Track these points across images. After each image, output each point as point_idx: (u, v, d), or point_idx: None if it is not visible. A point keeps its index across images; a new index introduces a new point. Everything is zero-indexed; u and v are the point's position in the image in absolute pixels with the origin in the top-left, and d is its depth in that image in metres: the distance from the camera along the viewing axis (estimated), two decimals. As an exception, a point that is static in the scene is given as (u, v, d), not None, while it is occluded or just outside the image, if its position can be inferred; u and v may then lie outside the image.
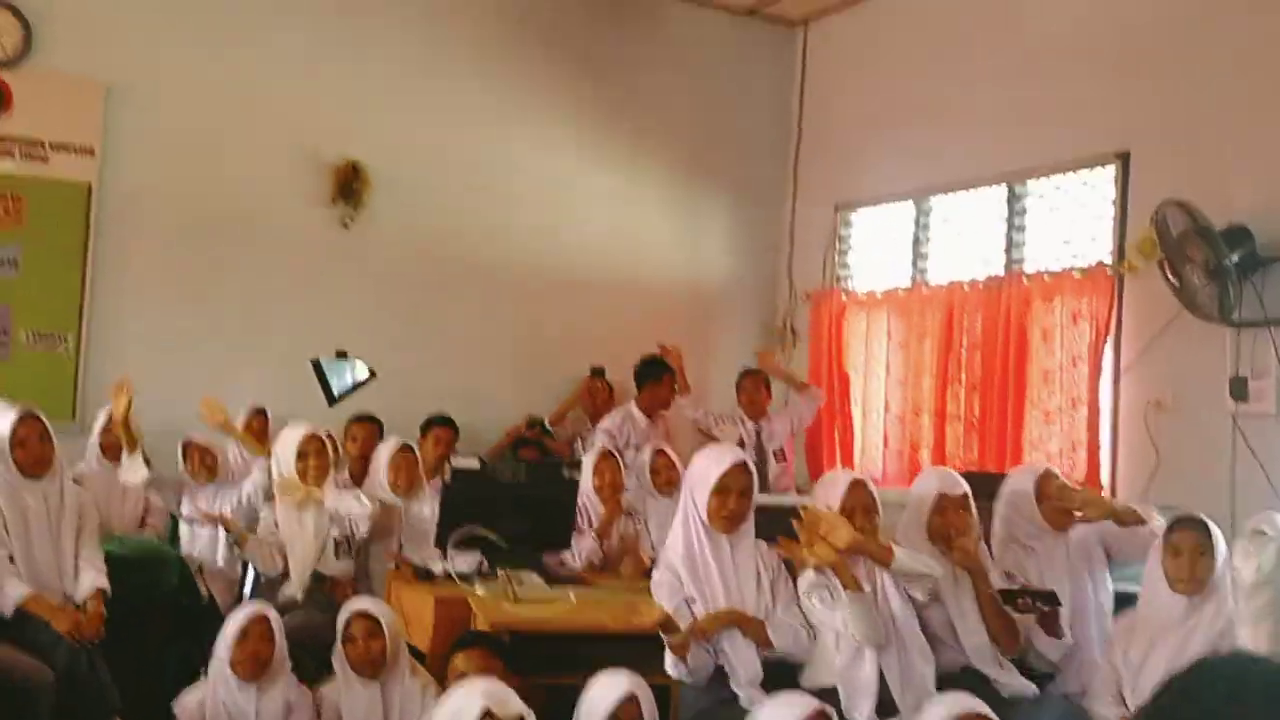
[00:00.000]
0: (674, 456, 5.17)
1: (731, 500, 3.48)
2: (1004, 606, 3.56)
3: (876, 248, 6.86)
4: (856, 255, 7.01)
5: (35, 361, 4.85)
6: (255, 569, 4.45)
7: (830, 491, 3.63)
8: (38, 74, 5.45)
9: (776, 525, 3.60)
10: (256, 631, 3.53)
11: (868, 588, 3.40)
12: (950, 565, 3.57)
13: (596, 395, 6.41)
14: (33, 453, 3.99)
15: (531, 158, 6.60)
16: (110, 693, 3.98)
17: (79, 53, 5.54)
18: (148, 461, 4.63)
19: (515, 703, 2.27)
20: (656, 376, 6.16)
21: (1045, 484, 3.86)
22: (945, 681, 3.55)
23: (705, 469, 3.54)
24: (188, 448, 4.92)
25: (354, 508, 4.40)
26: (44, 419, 4.05)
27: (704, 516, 3.50)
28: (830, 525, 3.37)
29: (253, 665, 3.49)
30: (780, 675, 3.44)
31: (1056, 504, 3.80)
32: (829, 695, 3.32)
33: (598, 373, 6.47)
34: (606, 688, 2.90)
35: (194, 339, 5.65)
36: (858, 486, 3.62)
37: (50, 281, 5.46)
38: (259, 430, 5.23)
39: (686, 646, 3.35)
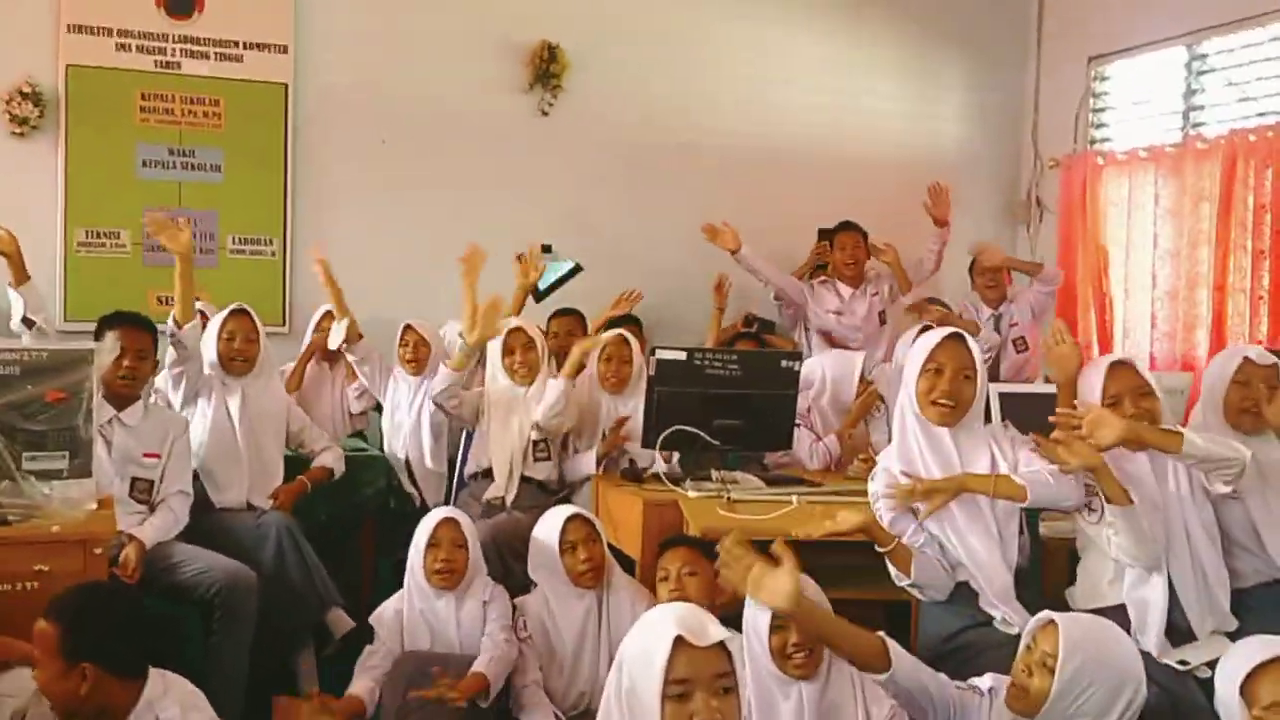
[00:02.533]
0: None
1: (944, 381, 2.88)
2: None
3: (1139, 103, 5.99)
4: (1114, 114, 6.17)
5: (242, 267, 4.81)
6: (454, 417, 4.25)
7: (1087, 381, 3.06)
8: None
9: (1016, 415, 3.07)
10: (447, 538, 3.33)
11: (1136, 498, 2.82)
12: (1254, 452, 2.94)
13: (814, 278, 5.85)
14: (237, 348, 4.06)
15: (738, 28, 6.08)
16: (325, 583, 3.90)
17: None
18: (360, 334, 4.59)
19: (714, 629, 1.87)
20: (840, 230, 5.58)
21: None
22: (1247, 597, 2.99)
23: (916, 347, 3.02)
24: (406, 331, 4.75)
25: (548, 396, 4.14)
26: (254, 316, 4.13)
27: (915, 404, 2.95)
28: (1093, 421, 2.80)
29: (447, 574, 3.29)
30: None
31: None
32: (1116, 614, 2.81)
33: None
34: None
35: (397, 237, 5.50)
36: (1120, 369, 3.04)
37: (253, 185, 5.35)
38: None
39: (902, 555, 2.89)
